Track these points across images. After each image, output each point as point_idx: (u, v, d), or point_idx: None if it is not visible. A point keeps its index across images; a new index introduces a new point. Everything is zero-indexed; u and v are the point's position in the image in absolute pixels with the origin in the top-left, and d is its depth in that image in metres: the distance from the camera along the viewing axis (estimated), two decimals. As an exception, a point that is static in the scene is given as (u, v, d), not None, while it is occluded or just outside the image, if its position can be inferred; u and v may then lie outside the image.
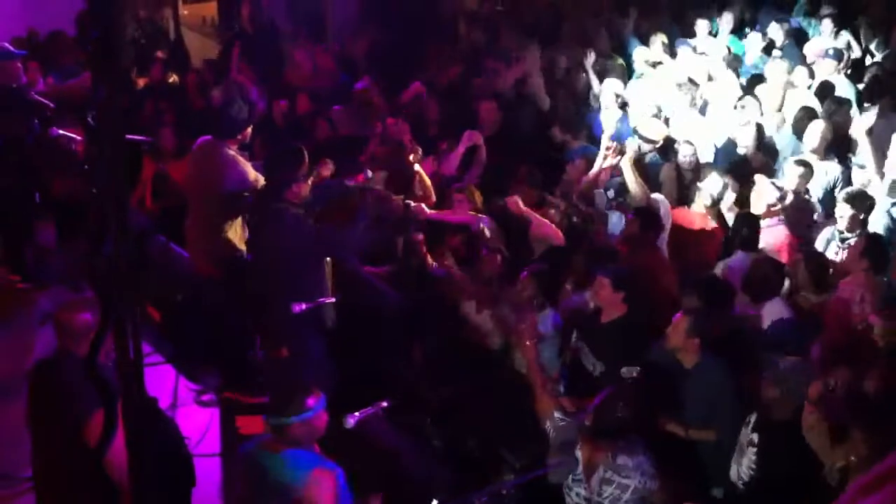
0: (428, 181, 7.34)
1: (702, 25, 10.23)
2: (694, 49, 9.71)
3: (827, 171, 7.21)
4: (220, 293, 6.20)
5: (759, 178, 6.79)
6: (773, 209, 6.55)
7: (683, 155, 7.51)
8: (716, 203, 6.92)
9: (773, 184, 6.70)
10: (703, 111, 8.56)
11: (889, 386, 4.38)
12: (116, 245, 2.14)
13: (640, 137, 7.97)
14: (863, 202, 6.28)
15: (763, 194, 6.61)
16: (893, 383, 4.40)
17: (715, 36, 10.44)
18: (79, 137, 8.03)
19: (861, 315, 5.29)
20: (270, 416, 4.00)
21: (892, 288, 5.68)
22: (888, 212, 6.51)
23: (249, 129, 6.25)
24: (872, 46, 9.75)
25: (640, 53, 9.77)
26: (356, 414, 4.44)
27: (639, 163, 7.59)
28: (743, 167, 7.40)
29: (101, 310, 2.23)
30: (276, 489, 3.91)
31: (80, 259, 7.51)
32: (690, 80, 8.84)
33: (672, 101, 8.61)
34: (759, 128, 7.77)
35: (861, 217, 6.24)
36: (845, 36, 9.74)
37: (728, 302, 5.57)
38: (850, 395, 4.12)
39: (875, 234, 6.09)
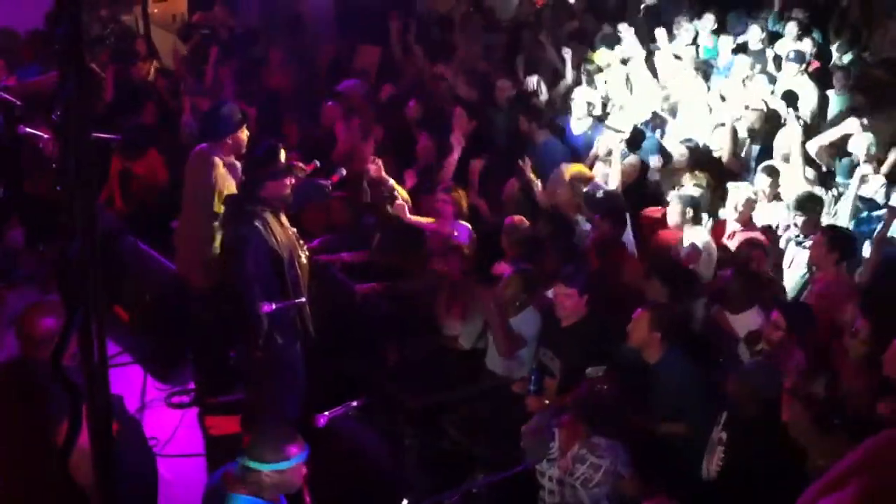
0: (403, 192, 7.31)
1: (680, 28, 10.22)
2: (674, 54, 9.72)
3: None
4: (206, 302, 6.12)
5: (731, 185, 6.83)
6: (745, 214, 6.59)
7: (680, 154, 7.53)
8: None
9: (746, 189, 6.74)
10: (673, 114, 8.61)
11: (867, 391, 4.45)
12: (84, 245, 2.12)
13: (608, 128, 7.99)
14: (813, 206, 6.30)
15: (736, 199, 6.65)
16: (871, 388, 4.47)
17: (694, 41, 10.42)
18: (46, 136, 7.95)
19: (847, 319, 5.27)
20: (244, 457, 3.67)
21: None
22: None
23: (244, 136, 6.11)
24: (836, 48, 9.83)
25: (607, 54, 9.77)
26: (326, 413, 4.43)
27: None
28: (716, 171, 7.45)
29: (65, 311, 2.20)
30: None
31: (49, 259, 7.44)
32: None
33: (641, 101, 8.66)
34: (735, 131, 7.83)
35: (814, 220, 6.26)
36: (808, 39, 9.83)
37: (693, 287, 5.59)
38: (830, 400, 4.17)
39: (831, 226, 6.11)
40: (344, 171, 6.66)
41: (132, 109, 9.30)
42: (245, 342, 5.57)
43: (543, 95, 9.13)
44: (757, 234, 6.47)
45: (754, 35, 9.89)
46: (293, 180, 5.64)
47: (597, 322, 5.45)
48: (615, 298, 5.67)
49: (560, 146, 8.21)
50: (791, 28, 9.85)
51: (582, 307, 5.44)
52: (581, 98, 8.61)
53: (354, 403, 4.53)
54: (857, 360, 4.71)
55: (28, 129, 7.73)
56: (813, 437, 4.07)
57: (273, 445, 3.67)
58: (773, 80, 8.72)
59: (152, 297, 6.43)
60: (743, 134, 7.97)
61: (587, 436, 4.24)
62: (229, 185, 5.98)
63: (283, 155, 5.60)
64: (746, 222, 6.56)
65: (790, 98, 8.14)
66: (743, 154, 7.90)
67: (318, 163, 6.46)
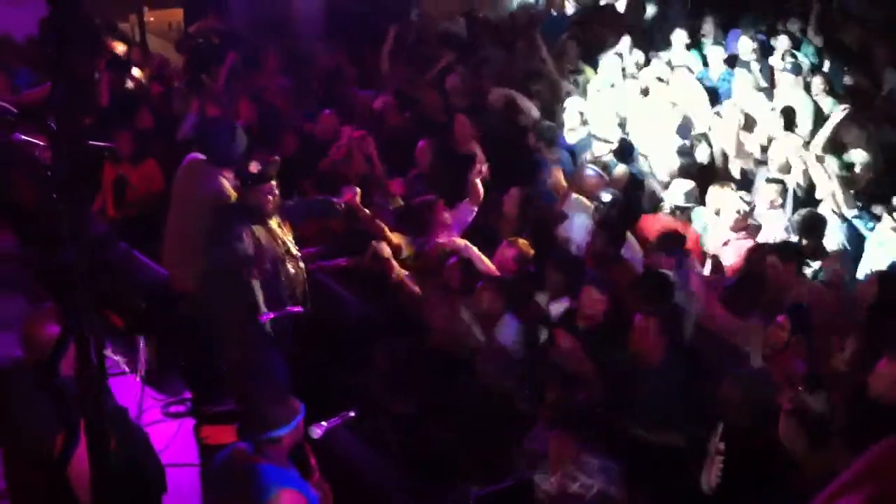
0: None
1: (677, 37, 10.18)
2: (668, 63, 9.69)
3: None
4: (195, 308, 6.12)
5: (728, 193, 6.82)
6: (741, 222, 6.58)
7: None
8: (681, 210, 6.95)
9: (741, 198, 6.74)
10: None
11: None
12: (76, 252, 2.11)
13: (596, 138, 8.01)
14: (815, 229, 6.32)
15: (731, 207, 6.64)
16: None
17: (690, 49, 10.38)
18: (43, 143, 7.93)
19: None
20: (259, 433, 3.76)
21: None
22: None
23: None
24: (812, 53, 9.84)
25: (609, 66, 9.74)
26: (323, 424, 4.39)
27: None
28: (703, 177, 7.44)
29: (62, 320, 2.19)
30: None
31: (39, 267, 7.40)
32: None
33: (634, 112, 8.64)
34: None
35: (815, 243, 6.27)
36: (803, 50, 9.82)
37: (670, 295, 5.64)
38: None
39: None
40: (358, 190, 6.55)
41: (127, 117, 9.27)
42: (232, 352, 5.58)
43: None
44: (750, 243, 6.47)
45: (745, 47, 9.82)
46: (274, 189, 5.61)
47: (609, 326, 5.48)
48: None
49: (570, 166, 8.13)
50: (783, 41, 9.82)
51: (602, 312, 5.47)
52: (573, 108, 8.57)
53: (351, 414, 4.49)
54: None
55: (24, 137, 7.71)
56: (806, 450, 4.08)
57: (282, 405, 3.81)
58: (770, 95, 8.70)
59: (148, 306, 6.39)
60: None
61: (578, 452, 4.20)
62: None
63: (253, 164, 5.57)
64: (740, 230, 6.56)
65: (788, 115, 8.08)
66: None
67: (278, 158, 6.43)
